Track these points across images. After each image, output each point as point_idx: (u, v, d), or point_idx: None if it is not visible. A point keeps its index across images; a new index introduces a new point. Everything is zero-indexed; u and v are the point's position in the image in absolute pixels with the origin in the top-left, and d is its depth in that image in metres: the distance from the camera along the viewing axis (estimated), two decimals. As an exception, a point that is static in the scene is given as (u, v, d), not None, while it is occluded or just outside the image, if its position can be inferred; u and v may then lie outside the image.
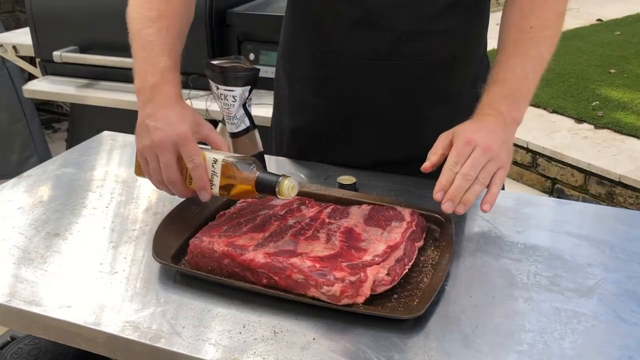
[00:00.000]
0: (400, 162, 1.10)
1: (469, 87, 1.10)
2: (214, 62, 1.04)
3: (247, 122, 1.07)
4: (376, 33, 1.04)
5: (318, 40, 1.11)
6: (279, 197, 0.86)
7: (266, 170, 0.92)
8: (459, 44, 1.08)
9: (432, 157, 0.91)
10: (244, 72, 1.03)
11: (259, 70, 1.05)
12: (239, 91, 1.03)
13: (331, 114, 1.14)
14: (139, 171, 0.97)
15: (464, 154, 0.87)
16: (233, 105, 1.04)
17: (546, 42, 0.98)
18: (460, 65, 1.05)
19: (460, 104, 1.10)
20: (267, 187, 0.86)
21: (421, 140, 0.97)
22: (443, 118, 0.97)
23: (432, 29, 1.04)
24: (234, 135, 1.07)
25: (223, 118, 1.09)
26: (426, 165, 0.91)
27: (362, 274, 0.76)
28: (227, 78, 1.02)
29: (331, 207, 0.95)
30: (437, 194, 0.86)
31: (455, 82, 1.00)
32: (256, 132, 1.09)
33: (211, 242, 0.83)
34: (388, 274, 0.78)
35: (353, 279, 0.76)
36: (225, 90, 1.03)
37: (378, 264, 0.79)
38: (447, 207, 0.85)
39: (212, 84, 1.05)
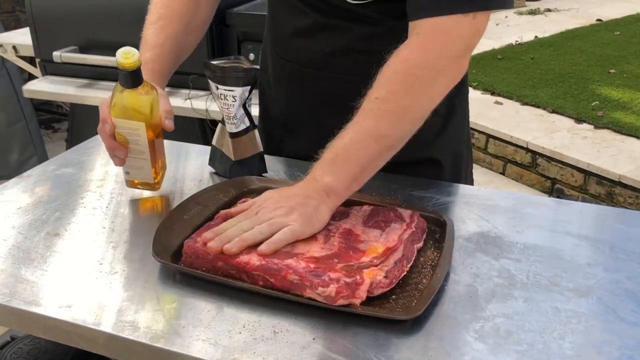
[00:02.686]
0: None
1: None
2: (214, 62, 1.04)
3: (247, 122, 1.07)
4: (314, 44, 1.10)
5: (274, 42, 1.20)
6: (122, 69, 0.93)
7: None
8: None
9: (231, 210, 0.91)
10: (244, 72, 1.03)
11: (259, 70, 1.05)
12: (239, 91, 1.03)
13: (279, 110, 1.22)
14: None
15: (247, 215, 0.87)
16: (233, 105, 1.04)
17: (386, 116, 0.91)
18: None
19: None
20: (120, 76, 0.95)
21: None
22: None
23: (366, 47, 1.06)
24: (233, 135, 1.07)
25: (223, 118, 1.09)
26: (220, 214, 0.91)
27: (358, 277, 0.76)
28: (227, 78, 1.03)
29: (331, 207, 0.95)
30: (207, 234, 0.84)
31: None
32: (256, 132, 1.09)
33: (204, 245, 0.83)
34: (386, 277, 0.78)
35: (348, 280, 0.75)
36: (225, 90, 1.03)
37: (376, 265, 0.79)
38: (212, 244, 0.82)
39: (212, 84, 1.05)
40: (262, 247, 0.81)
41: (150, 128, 0.99)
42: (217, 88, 1.04)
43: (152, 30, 1.08)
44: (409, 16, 0.95)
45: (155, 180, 1.04)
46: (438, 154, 1.17)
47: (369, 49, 1.06)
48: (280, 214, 0.85)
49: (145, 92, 0.97)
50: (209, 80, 1.06)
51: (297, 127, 1.20)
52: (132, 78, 0.95)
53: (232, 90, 1.03)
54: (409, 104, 0.92)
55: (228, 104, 1.04)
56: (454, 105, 1.17)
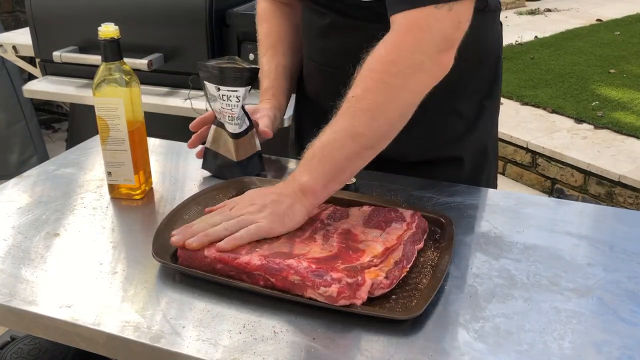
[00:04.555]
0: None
1: (435, 101, 1.07)
2: (211, 63, 1.04)
3: (247, 122, 1.07)
4: (331, 44, 1.11)
5: (304, 43, 1.22)
6: (100, 40, 0.96)
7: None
8: None
9: (214, 207, 0.93)
10: (246, 71, 1.02)
11: (258, 69, 1.04)
12: (242, 91, 1.03)
13: (311, 108, 1.23)
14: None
15: (220, 211, 0.89)
16: (237, 105, 1.04)
17: (362, 114, 0.89)
18: None
19: (420, 116, 1.10)
20: (101, 51, 0.97)
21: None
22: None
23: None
24: (236, 136, 1.07)
25: (216, 120, 1.08)
26: (205, 211, 0.92)
27: (360, 278, 0.76)
28: (229, 78, 1.02)
29: (331, 208, 0.95)
30: (176, 230, 0.85)
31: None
32: (254, 131, 1.09)
33: (201, 249, 0.83)
34: (386, 277, 0.78)
35: (350, 280, 0.75)
36: (228, 91, 1.03)
37: (376, 265, 0.79)
38: (174, 238, 0.83)
39: (210, 86, 1.05)
40: (221, 243, 0.82)
41: (130, 122, 1.00)
42: (219, 89, 1.03)
43: (265, 60, 1.20)
44: (388, 12, 0.92)
45: (137, 185, 1.04)
46: (461, 154, 1.16)
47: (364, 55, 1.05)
48: (251, 211, 0.86)
49: (125, 74, 0.99)
50: (206, 82, 1.05)
51: (324, 126, 1.20)
52: (110, 49, 0.97)
53: (235, 91, 1.03)
54: (384, 101, 0.89)
55: (232, 104, 1.04)
56: (483, 106, 1.15)
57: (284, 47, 1.20)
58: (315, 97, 1.22)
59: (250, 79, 1.03)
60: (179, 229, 0.86)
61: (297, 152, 1.28)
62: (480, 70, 1.14)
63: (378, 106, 0.89)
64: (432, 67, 0.90)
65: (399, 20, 0.90)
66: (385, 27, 1.02)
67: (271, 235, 0.85)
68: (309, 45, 1.19)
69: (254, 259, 0.80)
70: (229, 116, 1.05)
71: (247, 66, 1.04)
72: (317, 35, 1.14)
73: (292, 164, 1.19)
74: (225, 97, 1.03)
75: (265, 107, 1.14)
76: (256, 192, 0.92)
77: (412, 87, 0.90)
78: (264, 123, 1.11)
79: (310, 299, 0.76)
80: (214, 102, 1.06)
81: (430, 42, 0.88)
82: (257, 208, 0.87)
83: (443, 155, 1.14)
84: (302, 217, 0.88)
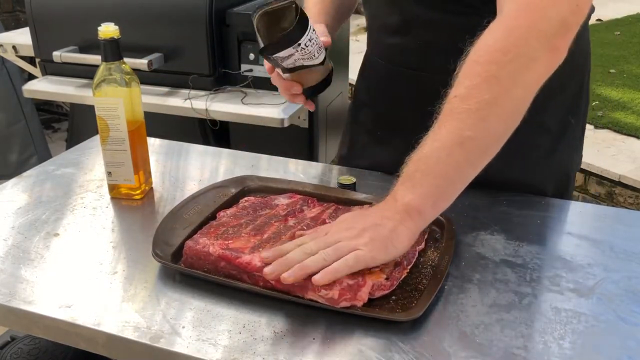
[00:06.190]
0: None
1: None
2: (270, 47, 0.93)
3: (320, 42, 0.97)
4: (408, 41, 1.02)
5: (370, 42, 1.14)
6: (100, 40, 0.96)
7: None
8: None
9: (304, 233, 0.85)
10: (296, 25, 0.91)
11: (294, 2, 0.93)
12: (304, 38, 0.92)
13: (370, 116, 1.15)
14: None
15: (315, 234, 0.80)
16: (313, 44, 0.94)
17: (469, 116, 0.77)
18: None
19: None
20: (101, 51, 0.98)
21: None
22: None
23: (465, 45, 0.92)
24: (323, 62, 0.99)
25: (288, 71, 0.99)
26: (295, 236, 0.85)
27: (361, 279, 0.76)
28: (285, 42, 0.92)
29: (333, 207, 0.95)
30: (266, 253, 0.77)
31: None
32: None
33: (206, 245, 0.83)
34: (387, 279, 0.78)
35: (351, 282, 0.75)
36: (303, 44, 0.93)
37: (377, 267, 0.79)
38: (268, 269, 0.75)
39: (284, 52, 0.94)
40: (317, 277, 0.73)
41: (130, 122, 1.00)
42: (297, 45, 0.92)
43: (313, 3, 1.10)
44: None
45: (137, 185, 1.05)
46: (542, 181, 1.06)
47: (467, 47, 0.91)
48: (349, 236, 0.77)
49: (125, 74, 0.99)
50: (279, 53, 0.93)
51: (386, 134, 1.11)
52: (110, 49, 0.98)
53: (309, 39, 0.92)
54: (494, 98, 0.77)
55: (310, 48, 0.93)
56: (568, 122, 1.05)
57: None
58: (381, 102, 1.11)
59: (304, 21, 0.91)
60: (271, 254, 0.77)
61: (349, 165, 1.18)
62: (570, 79, 0.98)
63: (487, 104, 0.77)
64: (546, 56, 0.79)
65: (508, 4, 0.80)
66: (469, 22, 0.89)
67: (372, 265, 0.77)
68: (378, 43, 1.09)
69: (255, 259, 0.80)
70: (316, 52, 0.95)
71: (296, 14, 0.91)
72: (390, 31, 1.03)
73: (292, 163, 1.19)
74: (301, 48, 0.93)
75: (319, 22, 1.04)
76: (354, 215, 0.83)
77: (525, 79, 0.78)
78: (320, 30, 0.99)
79: (311, 300, 0.76)
80: (288, 59, 0.95)
81: (546, 27, 0.77)
82: (356, 232, 0.77)
83: (522, 180, 1.05)
84: (407, 241, 0.78)
